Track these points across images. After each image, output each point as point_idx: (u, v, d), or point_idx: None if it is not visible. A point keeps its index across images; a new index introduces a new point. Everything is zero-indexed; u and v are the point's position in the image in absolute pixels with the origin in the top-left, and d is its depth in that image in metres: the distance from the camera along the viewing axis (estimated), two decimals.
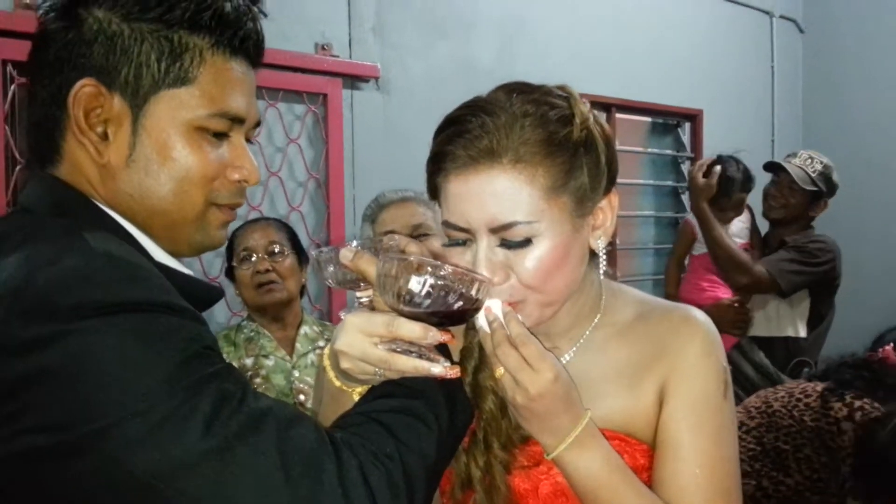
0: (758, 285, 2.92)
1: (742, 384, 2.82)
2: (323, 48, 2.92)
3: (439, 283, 0.84)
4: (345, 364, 0.89)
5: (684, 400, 1.02)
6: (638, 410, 1.04)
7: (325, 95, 2.92)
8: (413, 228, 1.92)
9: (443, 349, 0.91)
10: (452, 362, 0.89)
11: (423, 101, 3.15)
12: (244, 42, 0.93)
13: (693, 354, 1.03)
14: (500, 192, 0.92)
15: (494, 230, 0.94)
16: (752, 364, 2.91)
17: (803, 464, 2.01)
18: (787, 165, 3.05)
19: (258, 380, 2.19)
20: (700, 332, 1.05)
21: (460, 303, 0.85)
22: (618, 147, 4.46)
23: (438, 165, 0.97)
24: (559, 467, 0.98)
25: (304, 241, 2.81)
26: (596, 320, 1.08)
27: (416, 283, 0.83)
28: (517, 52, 3.55)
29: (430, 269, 0.84)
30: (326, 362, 0.94)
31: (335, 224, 2.97)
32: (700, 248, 3.36)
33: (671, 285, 3.59)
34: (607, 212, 1.02)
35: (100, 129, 0.88)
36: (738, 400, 2.12)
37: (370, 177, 2.97)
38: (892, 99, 4.73)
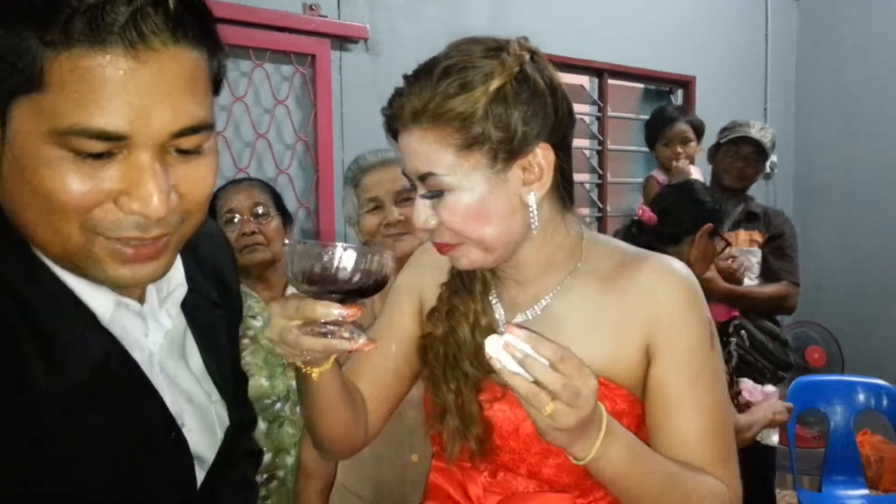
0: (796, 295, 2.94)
1: (763, 353, 2.81)
2: (311, 8, 2.87)
3: (334, 260, 0.88)
4: (277, 349, 0.92)
5: (677, 356, 1.04)
6: (621, 357, 1.06)
7: (313, 56, 2.88)
8: (397, 194, 1.91)
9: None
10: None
11: (412, 63, 3.07)
12: (102, 29, 0.69)
13: (678, 308, 1.05)
14: (419, 150, 1.02)
15: (419, 179, 1.03)
16: (760, 329, 2.86)
17: None
18: (757, 137, 3.02)
19: (246, 341, 2.17)
20: (683, 283, 1.07)
21: (358, 276, 0.89)
22: (609, 113, 4.39)
23: (390, 124, 1.07)
24: (592, 468, 0.95)
25: (293, 203, 2.79)
26: (576, 266, 1.11)
27: (312, 264, 0.88)
28: (508, 16, 3.50)
29: (322, 248, 0.88)
30: None
31: (324, 187, 2.95)
32: None
33: None
34: (544, 167, 1.03)
35: None
36: None
37: (359, 139, 2.94)
38: (886, 67, 4.71)
